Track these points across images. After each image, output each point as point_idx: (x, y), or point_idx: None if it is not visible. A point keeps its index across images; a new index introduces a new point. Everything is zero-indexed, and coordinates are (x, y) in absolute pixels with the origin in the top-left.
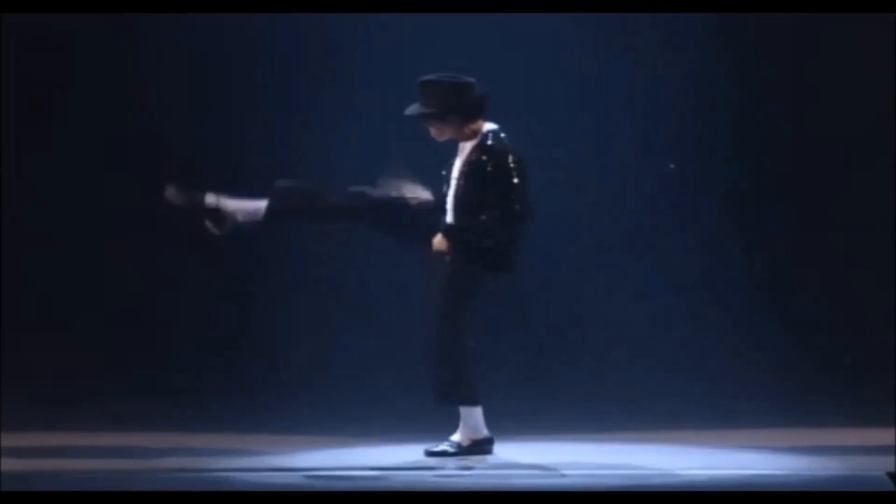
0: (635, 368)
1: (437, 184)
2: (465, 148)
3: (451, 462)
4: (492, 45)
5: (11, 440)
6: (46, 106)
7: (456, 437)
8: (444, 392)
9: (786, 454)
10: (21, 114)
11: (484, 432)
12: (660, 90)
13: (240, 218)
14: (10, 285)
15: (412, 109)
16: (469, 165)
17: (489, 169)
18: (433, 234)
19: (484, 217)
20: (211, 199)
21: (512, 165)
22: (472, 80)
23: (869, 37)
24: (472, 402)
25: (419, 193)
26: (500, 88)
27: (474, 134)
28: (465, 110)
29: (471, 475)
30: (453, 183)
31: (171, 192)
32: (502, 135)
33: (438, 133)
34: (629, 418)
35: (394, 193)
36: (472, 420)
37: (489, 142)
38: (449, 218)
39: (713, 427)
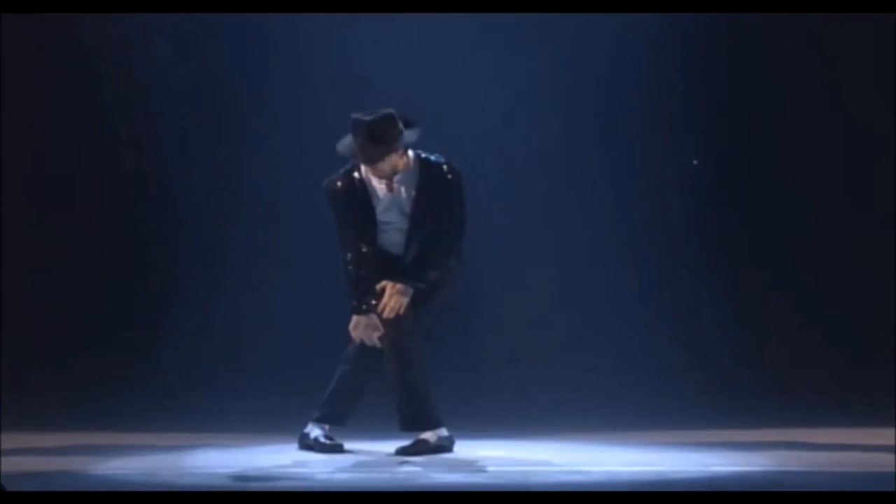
0: (629, 370)
1: None
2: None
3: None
4: (473, 45)
5: (11, 440)
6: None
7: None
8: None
9: (785, 453)
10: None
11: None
12: (647, 89)
13: None
14: (9, 285)
15: (346, 147)
16: (426, 192)
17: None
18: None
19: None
20: None
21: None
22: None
23: (870, 37)
24: None
25: None
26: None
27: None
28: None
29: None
30: (407, 215)
31: None
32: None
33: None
34: (638, 419)
35: None
36: None
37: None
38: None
39: (712, 426)
